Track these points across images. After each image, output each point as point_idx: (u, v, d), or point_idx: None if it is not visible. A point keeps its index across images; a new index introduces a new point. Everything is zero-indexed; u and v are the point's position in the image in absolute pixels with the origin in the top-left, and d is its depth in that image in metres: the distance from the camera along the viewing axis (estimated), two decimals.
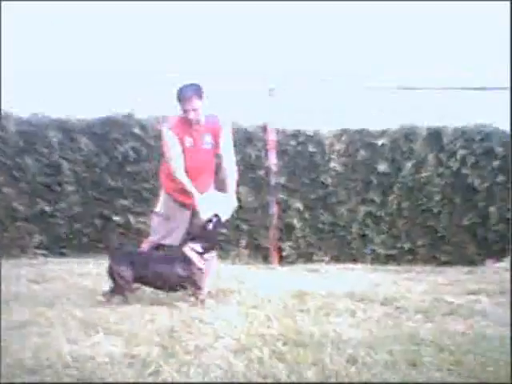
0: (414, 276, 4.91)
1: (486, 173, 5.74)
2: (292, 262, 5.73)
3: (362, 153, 5.81)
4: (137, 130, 5.71)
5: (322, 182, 5.84)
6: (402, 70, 6.45)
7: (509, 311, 3.31)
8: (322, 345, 2.53)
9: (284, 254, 5.80)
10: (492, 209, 5.71)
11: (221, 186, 3.77)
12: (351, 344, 2.55)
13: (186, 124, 3.56)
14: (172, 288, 3.46)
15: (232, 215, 3.72)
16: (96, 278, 4.16)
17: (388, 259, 5.80)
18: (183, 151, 3.56)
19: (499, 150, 5.70)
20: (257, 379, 2.16)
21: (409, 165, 5.78)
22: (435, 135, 5.80)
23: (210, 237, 3.48)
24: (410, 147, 5.80)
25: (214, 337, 2.67)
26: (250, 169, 5.70)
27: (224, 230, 5.11)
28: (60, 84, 5.71)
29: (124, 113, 5.77)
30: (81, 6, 7.59)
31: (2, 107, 5.55)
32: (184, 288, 3.42)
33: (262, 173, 5.77)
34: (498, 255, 5.67)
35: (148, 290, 3.55)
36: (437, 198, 5.77)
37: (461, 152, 5.74)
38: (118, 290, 3.38)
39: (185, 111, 3.51)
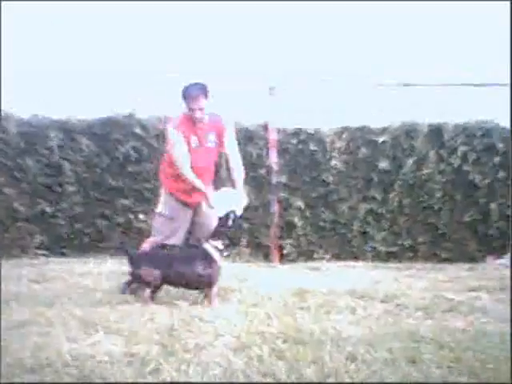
0: (414, 273, 4.91)
1: (487, 169, 5.71)
2: (293, 260, 5.72)
3: (363, 150, 5.79)
4: (138, 130, 5.69)
5: (323, 180, 5.82)
6: (402, 69, 6.42)
7: (509, 308, 3.31)
8: (322, 342, 2.53)
9: (285, 252, 5.79)
10: (493, 205, 5.68)
11: (230, 185, 3.79)
12: (351, 341, 2.56)
13: (190, 123, 3.57)
14: (193, 287, 3.46)
15: None
16: (96, 278, 4.17)
17: (389, 256, 5.78)
18: (189, 150, 3.57)
19: (500, 146, 5.67)
20: (256, 377, 2.16)
21: (410, 162, 5.75)
22: (436, 132, 5.77)
23: (229, 233, 3.49)
24: (410, 144, 5.77)
25: (214, 335, 2.68)
26: (251, 167, 5.67)
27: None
28: (60, 84, 5.70)
29: (125, 113, 5.74)
30: (81, 6, 7.60)
31: (3, 108, 5.55)
32: (202, 288, 3.42)
33: (263, 171, 5.76)
34: (499, 252, 5.65)
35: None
36: (438, 194, 5.75)
37: (462, 148, 5.71)
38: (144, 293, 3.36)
39: (191, 110, 3.51)
